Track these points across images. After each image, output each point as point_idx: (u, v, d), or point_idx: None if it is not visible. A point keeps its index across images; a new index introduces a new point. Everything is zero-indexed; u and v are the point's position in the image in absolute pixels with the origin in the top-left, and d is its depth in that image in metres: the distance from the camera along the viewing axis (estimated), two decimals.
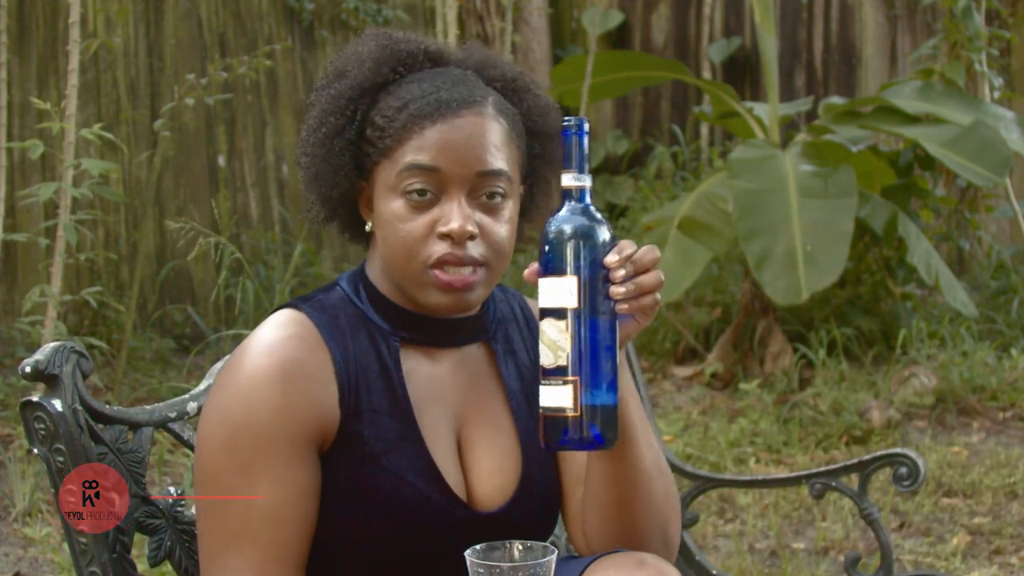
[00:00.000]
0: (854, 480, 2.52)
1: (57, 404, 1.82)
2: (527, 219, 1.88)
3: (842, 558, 3.92)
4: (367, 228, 1.79)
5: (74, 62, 4.31)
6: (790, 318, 6.08)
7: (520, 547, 1.54)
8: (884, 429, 5.09)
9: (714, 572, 2.55)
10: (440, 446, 1.76)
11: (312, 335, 1.73)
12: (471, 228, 1.70)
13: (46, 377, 1.83)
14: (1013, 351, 5.86)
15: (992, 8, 7.23)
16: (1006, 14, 7.61)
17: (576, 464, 1.85)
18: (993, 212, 6.97)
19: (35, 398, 1.82)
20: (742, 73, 8.42)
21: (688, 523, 2.59)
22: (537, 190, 1.86)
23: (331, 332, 1.74)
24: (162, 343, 6.13)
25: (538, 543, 1.54)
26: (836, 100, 6.65)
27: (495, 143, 1.73)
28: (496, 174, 1.73)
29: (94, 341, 4.41)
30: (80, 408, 1.82)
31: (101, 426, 1.86)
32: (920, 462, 2.42)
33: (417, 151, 1.71)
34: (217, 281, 5.76)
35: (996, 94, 6.68)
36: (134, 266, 6.22)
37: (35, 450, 1.83)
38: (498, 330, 1.87)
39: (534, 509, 1.81)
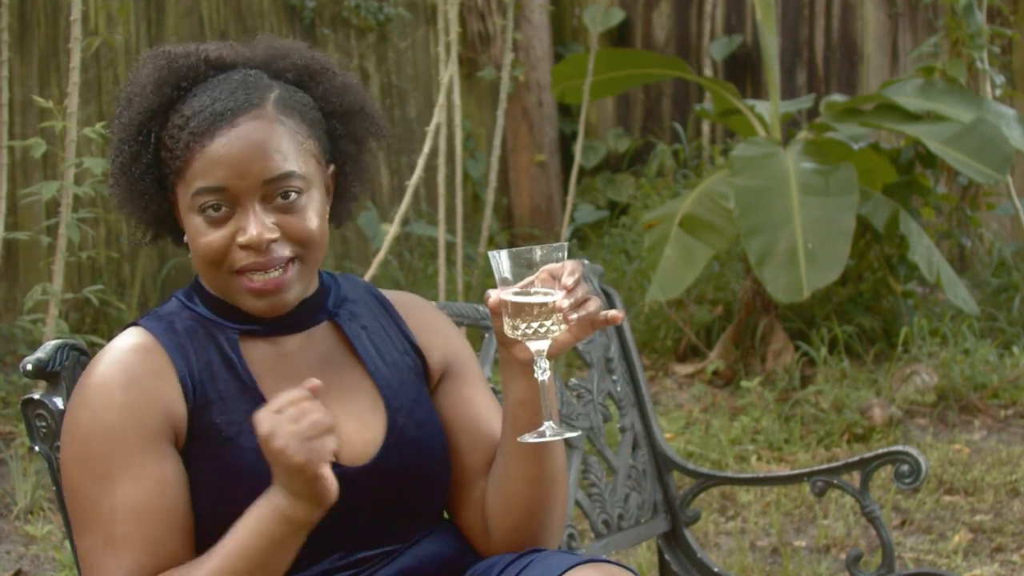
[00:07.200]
0: (855, 478, 2.52)
1: (58, 402, 1.82)
2: (347, 198, 1.91)
3: (844, 556, 3.92)
4: (184, 239, 1.83)
5: (75, 60, 4.31)
6: (791, 316, 6.07)
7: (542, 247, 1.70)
8: (885, 427, 5.08)
9: (716, 570, 2.55)
10: None
11: (148, 341, 1.78)
12: (269, 235, 1.75)
13: (47, 375, 1.83)
14: (1014, 349, 5.86)
15: (993, 6, 7.22)
16: (1007, 11, 7.60)
17: (474, 456, 1.90)
18: (994, 210, 6.97)
19: (36, 396, 1.83)
20: (743, 71, 8.41)
21: (689, 521, 2.59)
22: (348, 169, 1.89)
23: (167, 336, 1.79)
24: None
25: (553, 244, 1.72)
26: (837, 98, 6.64)
27: (276, 147, 1.76)
28: (284, 177, 1.76)
29: (95, 339, 4.41)
30: None
31: None
32: (921, 460, 2.42)
33: (203, 173, 1.74)
34: None
35: (997, 92, 6.67)
36: (135, 264, 6.22)
37: (36, 447, 1.83)
38: (342, 307, 1.90)
39: (410, 457, 1.84)
